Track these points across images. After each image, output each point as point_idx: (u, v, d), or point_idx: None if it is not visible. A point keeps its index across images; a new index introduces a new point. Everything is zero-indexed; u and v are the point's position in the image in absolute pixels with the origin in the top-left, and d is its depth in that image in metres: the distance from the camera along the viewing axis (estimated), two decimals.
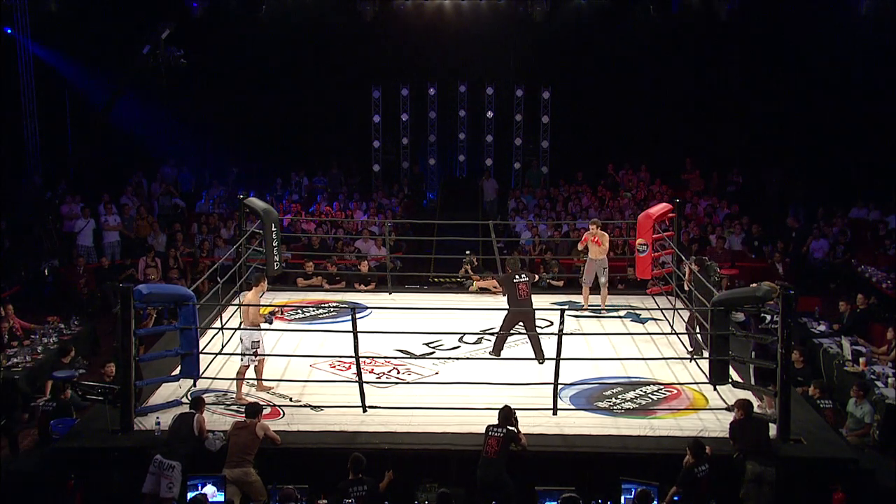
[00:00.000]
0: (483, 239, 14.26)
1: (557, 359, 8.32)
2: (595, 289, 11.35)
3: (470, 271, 12.58)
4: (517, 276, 9.60)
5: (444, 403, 8.41)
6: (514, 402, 7.69)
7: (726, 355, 8.48)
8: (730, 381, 8.62)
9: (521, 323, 9.50)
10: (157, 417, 8.06)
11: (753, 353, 8.53)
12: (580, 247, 11.19)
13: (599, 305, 11.32)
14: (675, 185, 17.39)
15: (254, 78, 17.76)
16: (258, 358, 8.73)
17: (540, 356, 9.15)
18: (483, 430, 7.55)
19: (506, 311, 9.49)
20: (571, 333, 10.04)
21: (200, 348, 8.73)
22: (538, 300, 12.09)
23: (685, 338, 9.85)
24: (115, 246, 14.87)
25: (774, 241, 14.74)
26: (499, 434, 7.42)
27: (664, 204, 12.32)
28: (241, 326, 8.75)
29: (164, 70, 13.46)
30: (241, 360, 8.72)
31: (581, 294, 11.67)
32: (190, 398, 8.18)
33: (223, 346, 9.74)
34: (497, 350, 9.64)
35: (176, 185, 17.24)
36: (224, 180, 17.66)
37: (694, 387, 9.01)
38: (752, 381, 8.50)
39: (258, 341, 8.69)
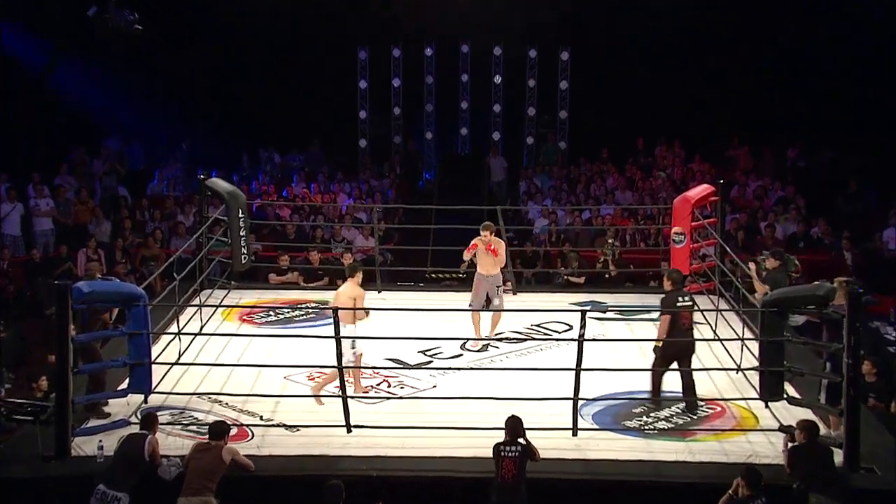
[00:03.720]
0: None
1: (578, 369, 8.30)
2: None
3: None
4: (681, 298, 8.96)
5: (444, 422, 8.38)
6: (527, 421, 7.64)
7: (780, 366, 8.41)
8: (784, 396, 8.57)
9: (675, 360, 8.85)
10: (100, 440, 8.00)
11: (828, 366, 8.39)
12: (466, 257, 10.36)
13: (486, 337, 10.38)
14: (719, 162, 17.37)
15: (217, 37, 17.71)
16: (357, 356, 8.82)
17: (693, 405, 8.79)
18: (491, 453, 7.46)
19: (659, 344, 8.86)
20: (595, 339, 9.97)
21: (153, 357, 8.70)
22: (553, 299, 12.28)
23: (732, 346, 9.77)
24: (49, 235, 14.82)
25: (840, 229, 14.68)
26: (513, 454, 7.38)
27: (705, 186, 12.32)
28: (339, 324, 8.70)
29: (115, 37, 13.40)
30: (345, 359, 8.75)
31: (605, 292, 11.74)
32: (140, 417, 8.11)
33: (181, 355, 9.72)
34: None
35: (122, 162, 17.16)
36: (180, 157, 17.59)
37: (742, 403, 8.96)
38: (823, 399, 8.42)
39: (354, 339, 8.78)
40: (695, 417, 8.80)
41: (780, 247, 13.55)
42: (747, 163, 17.41)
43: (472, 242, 10.30)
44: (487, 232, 10.20)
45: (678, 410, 8.90)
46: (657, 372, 8.85)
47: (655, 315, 11.43)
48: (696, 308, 9.03)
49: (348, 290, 9.05)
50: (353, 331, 8.81)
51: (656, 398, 8.86)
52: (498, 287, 10.35)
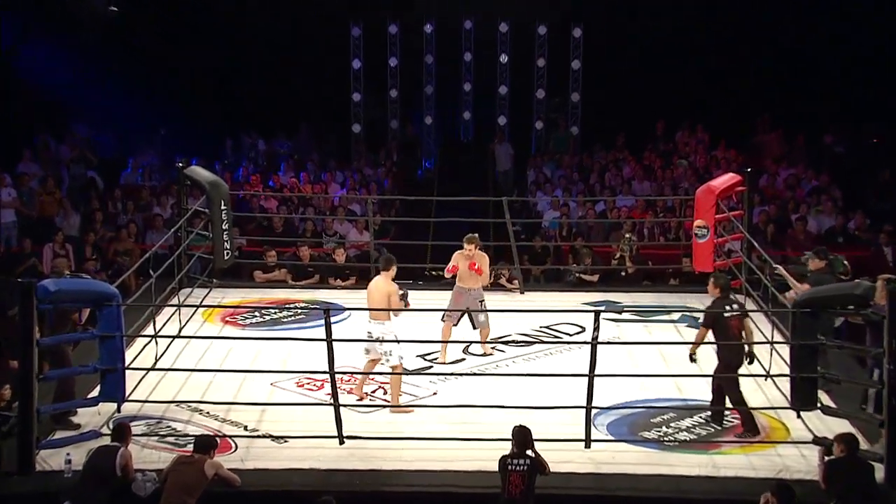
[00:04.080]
0: (495, 220, 14.23)
1: (591, 375, 8.30)
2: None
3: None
4: (728, 306, 8.85)
5: (446, 433, 8.39)
6: (536, 431, 7.64)
7: (814, 372, 8.41)
8: (818, 405, 8.56)
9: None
10: (68, 454, 7.99)
11: (875, 373, 8.35)
12: (447, 274, 10.31)
13: (479, 352, 10.43)
14: (747, 149, 17.35)
15: (197, 15, 17.73)
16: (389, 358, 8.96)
17: (752, 431, 8.65)
18: (497, 466, 7.46)
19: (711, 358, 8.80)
20: (609, 342, 9.96)
21: (127, 362, 8.69)
22: (564, 299, 12.29)
23: (760, 350, 9.75)
24: (11, 228, 14.78)
25: (879, 223, 14.66)
26: (521, 467, 7.38)
27: (731, 174, 12.30)
28: (372, 321, 8.95)
29: (89, 17, 13.44)
30: (385, 361, 8.89)
31: (621, 291, 11.73)
32: (112, 427, 8.10)
33: (157, 360, 9.72)
34: None
35: (92, 148, 17.14)
36: (156, 143, 17.57)
37: (771, 413, 8.97)
38: (871, 409, 8.40)
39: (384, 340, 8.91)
40: (719, 428, 8.79)
41: (817, 242, 13.55)
42: (778, 149, 17.38)
43: (453, 263, 10.15)
44: (472, 246, 10.12)
45: (701, 420, 8.91)
46: (732, 387, 8.69)
47: (677, 316, 11.52)
48: (738, 312, 8.90)
49: (383, 285, 9.11)
50: (388, 329, 8.90)
51: (743, 409, 8.71)
52: (481, 301, 10.27)
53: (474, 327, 10.31)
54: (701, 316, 9.04)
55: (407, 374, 9.64)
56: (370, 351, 9.10)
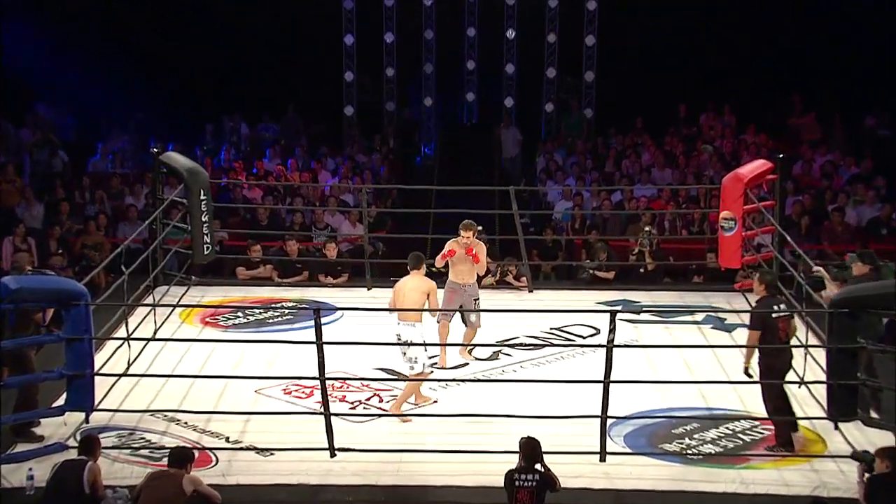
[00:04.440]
0: (501, 212, 14.24)
1: (606, 382, 8.29)
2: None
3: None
4: (776, 306, 8.77)
5: (447, 444, 8.39)
6: (545, 443, 7.63)
7: (853, 378, 8.39)
8: (858, 415, 8.53)
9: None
10: (31, 469, 7.96)
11: None
12: (439, 263, 10.27)
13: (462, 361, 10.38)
14: (779, 132, 17.33)
15: None
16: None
17: (786, 446, 8.60)
18: (503, 482, 7.45)
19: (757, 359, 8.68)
20: (627, 346, 9.94)
21: (96, 367, 8.68)
22: (577, 298, 12.29)
23: (793, 354, 9.71)
24: None
25: None
26: (529, 483, 7.36)
27: (761, 161, 12.30)
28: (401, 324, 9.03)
29: None
30: (410, 368, 8.97)
31: (639, 289, 11.67)
32: (79, 439, 8.08)
33: (130, 365, 9.71)
34: None
35: (56, 132, 17.10)
36: (129, 126, 17.55)
37: (805, 423, 8.93)
38: None
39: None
40: (747, 440, 8.77)
41: (857, 236, 13.53)
42: (814, 132, 17.36)
43: (448, 248, 10.16)
44: (469, 233, 10.10)
45: (727, 431, 8.89)
46: (775, 394, 8.64)
47: (701, 317, 11.49)
48: (789, 312, 8.82)
49: (419, 283, 9.16)
50: (419, 332, 8.97)
51: (788, 421, 8.65)
52: (476, 300, 10.28)
53: (465, 325, 10.28)
54: (740, 318, 9.00)
55: (400, 380, 9.61)
56: (405, 353, 9.12)
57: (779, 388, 8.64)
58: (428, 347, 9.09)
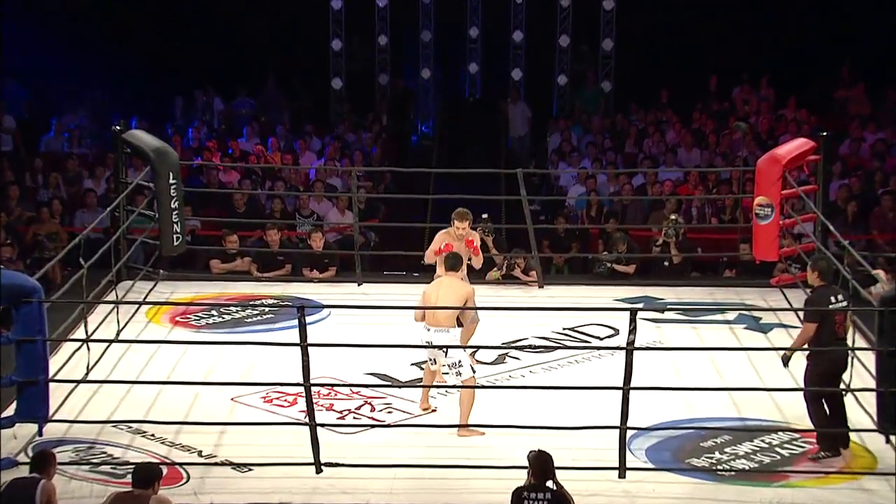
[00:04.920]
0: (508, 197, 14.23)
1: (626, 388, 8.29)
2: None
3: (491, 245, 12.53)
4: (833, 297, 8.82)
5: (447, 458, 8.39)
6: (558, 457, 7.62)
7: None
8: None
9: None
10: None
11: None
12: (431, 259, 10.18)
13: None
14: (823, 108, 17.31)
15: None
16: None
17: (831, 449, 8.64)
18: (510, 501, 7.45)
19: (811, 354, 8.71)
20: (649, 348, 9.93)
21: (50, 373, 8.66)
22: (593, 294, 12.29)
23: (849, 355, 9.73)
24: None
25: None
26: (540, 502, 7.35)
27: (802, 140, 12.28)
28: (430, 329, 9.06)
29: None
30: (456, 374, 8.98)
31: (663, 284, 11.66)
32: (31, 455, 8.07)
33: (89, 370, 9.70)
34: None
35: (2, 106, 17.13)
36: (88, 101, 17.53)
37: (852, 436, 8.89)
38: None
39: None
40: (785, 455, 8.75)
41: None
42: (863, 107, 17.37)
43: (444, 242, 10.02)
44: (465, 223, 10.08)
45: (763, 444, 8.88)
46: (815, 399, 8.64)
47: (733, 316, 11.50)
48: (846, 306, 8.83)
49: (460, 286, 9.25)
50: (455, 338, 9.03)
51: (824, 432, 8.66)
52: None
53: (459, 325, 10.27)
54: (778, 317, 9.02)
55: (394, 387, 9.68)
56: (437, 360, 9.15)
57: (826, 394, 8.60)
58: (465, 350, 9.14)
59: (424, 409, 9.42)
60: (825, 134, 12.18)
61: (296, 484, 8.18)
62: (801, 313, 9.65)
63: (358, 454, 8.53)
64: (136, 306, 11.27)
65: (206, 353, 10.25)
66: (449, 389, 9.75)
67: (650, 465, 8.54)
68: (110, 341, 10.15)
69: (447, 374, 9.07)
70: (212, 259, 13.01)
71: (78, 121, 17.14)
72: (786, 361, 8.72)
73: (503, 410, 9.18)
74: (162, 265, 12.43)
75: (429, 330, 9.09)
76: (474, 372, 9.09)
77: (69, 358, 9.69)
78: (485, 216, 12.67)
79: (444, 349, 9.01)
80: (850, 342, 8.96)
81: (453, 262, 9.35)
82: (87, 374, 9.58)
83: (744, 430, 9.04)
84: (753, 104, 17.61)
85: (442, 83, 19.54)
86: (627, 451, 8.37)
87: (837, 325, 8.65)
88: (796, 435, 8.94)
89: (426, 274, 12.82)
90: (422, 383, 9.45)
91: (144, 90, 18.11)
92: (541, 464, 7.43)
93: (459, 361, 8.98)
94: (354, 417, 9.32)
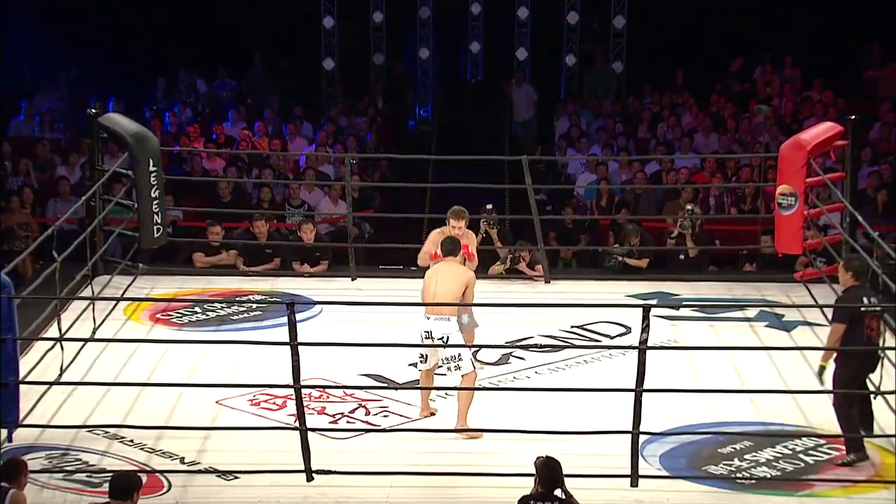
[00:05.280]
0: (512, 186, 14.32)
1: (639, 391, 8.31)
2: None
3: (495, 237, 12.59)
4: (867, 298, 8.78)
5: (447, 465, 8.42)
6: (567, 464, 7.66)
7: None
8: None
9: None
10: None
11: None
12: (425, 262, 10.06)
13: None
14: (850, 90, 17.33)
15: None
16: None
17: (859, 453, 8.70)
18: None
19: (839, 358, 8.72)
20: (663, 347, 9.98)
21: (21, 374, 8.69)
22: (604, 290, 12.34)
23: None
24: None
25: None
26: None
27: (828, 124, 12.28)
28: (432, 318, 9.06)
29: None
30: (455, 369, 9.01)
31: (679, 279, 11.71)
32: (0, 462, 8.12)
33: (63, 371, 9.71)
34: None
35: None
36: (61, 82, 17.55)
37: (881, 443, 8.93)
38: None
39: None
40: (810, 462, 8.77)
41: None
42: (894, 88, 17.35)
43: (438, 244, 9.82)
44: (461, 222, 10.02)
45: (786, 451, 8.89)
46: (845, 404, 8.66)
47: (753, 313, 11.55)
48: (879, 307, 8.81)
49: (460, 272, 9.23)
50: (456, 328, 9.05)
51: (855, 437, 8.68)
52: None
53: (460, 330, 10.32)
54: (801, 314, 9.04)
55: (390, 389, 9.72)
56: (428, 358, 9.15)
57: (855, 396, 8.63)
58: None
59: (425, 418, 9.43)
60: (853, 117, 12.13)
61: (285, 493, 8.19)
62: (828, 315, 9.76)
63: (351, 461, 8.54)
64: (114, 303, 11.25)
65: (188, 352, 10.25)
66: (449, 391, 9.77)
67: (664, 473, 8.55)
68: (86, 340, 10.13)
69: (444, 373, 9.06)
70: (195, 252, 13.02)
71: (50, 103, 17.13)
72: (820, 374, 8.69)
73: (508, 414, 9.19)
74: (141, 259, 12.46)
75: (428, 318, 9.08)
76: (475, 368, 9.09)
77: (41, 358, 9.68)
78: (488, 206, 12.68)
79: (444, 338, 9.00)
80: (880, 342, 8.94)
81: (451, 247, 9.34)
82: (60, 375, 9.58)
83: (765, 435, 9.04)
84: (776, 86, 17.59)
85: (441, 64, 19.54)
86: (640, 458, 8.38)
87: (870, 330, 8.61)
88: (822, 441, 8.94)
89: (425, 269, 12.94)
90: (420, 389, 9.44)
91: (122, 69, 18.10)
92: (548, 471, 7.46)
93: (459, 354, 8.99)
94: (348, 421, 9.34)
